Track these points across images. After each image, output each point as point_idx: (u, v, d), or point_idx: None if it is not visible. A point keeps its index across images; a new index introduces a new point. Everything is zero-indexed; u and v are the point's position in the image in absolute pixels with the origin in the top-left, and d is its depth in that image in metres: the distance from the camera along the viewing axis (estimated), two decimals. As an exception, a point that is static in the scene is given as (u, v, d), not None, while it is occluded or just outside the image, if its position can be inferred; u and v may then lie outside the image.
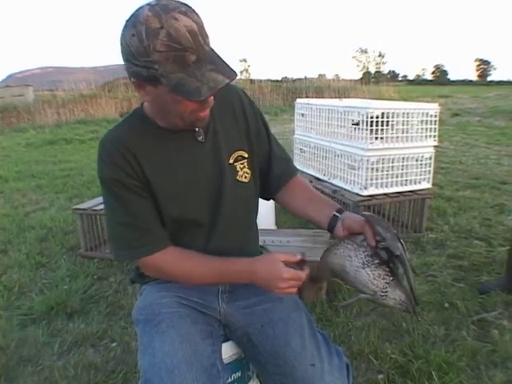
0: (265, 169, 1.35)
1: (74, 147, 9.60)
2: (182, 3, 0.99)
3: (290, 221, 3.76)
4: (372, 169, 3.44)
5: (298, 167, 4.42)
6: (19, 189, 5.76)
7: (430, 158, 3.69)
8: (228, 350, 1.26)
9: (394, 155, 3.52)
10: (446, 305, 2.53)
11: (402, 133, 3.55)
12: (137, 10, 0.98)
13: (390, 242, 1.09)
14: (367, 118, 3.35)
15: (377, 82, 33.26)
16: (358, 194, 3.50)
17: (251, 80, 22.39)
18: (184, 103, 1.03)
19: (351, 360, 2.00)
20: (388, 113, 3.43)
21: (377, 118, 3.36)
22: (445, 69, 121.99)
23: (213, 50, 1.02)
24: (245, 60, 74.93)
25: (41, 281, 3.04)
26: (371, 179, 3.45)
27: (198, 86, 0.97)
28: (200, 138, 1.20)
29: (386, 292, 1.12)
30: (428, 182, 3.74)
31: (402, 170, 3.59)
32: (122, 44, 0.99)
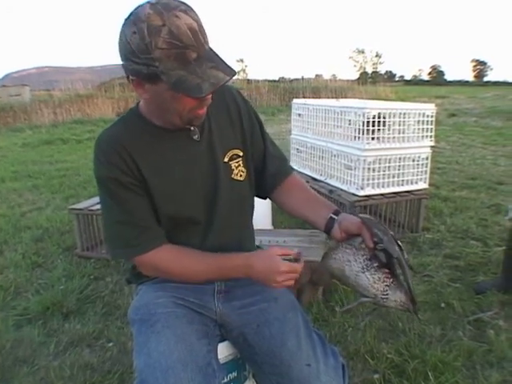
0: (260, 168, 1.36)
1: (71, 147, 9.59)
2: (182, 2, 1.00)
3: (287, 221, 3.76)
4: (368, 169, 3.44)
5: (295, 167, 4.42)
6: (15, 189, 5.75)
7: (427, 159, 3.70)
8: (224, 350, 1.26)
9: (390, 155, 3.52)
10: (443, 305, 2.54)
11: (399, 133, 3.56)
12: (137, 8, 0.99)
13: (387, 244, 1.09)
14: (364, 118, 3.35)
15: (374, 82, 33.28)
16: (354, 194, 3.50)
17: (248, 80, 22.39)
18: (183, 101, 1.04)
19: (347, 360, 2.00)
20: (385, 113, 3.44)
21: (373, 118, 3.37)
22: (441, 69, 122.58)
23: (211, 49, 1.03)
24: (242, 60, 74.95)
25: (37, 281, 3.03)
26: (368, 179, 3.45)
27: (198, 83, 0.98)
28: (195, 137, 1.21)
29: (387, 295, 1.12)
30: (424, 182, 3.74)
31: (399, 170, 3.60)
32: (121, 42, 1.00)
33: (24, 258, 3.40)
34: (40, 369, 2.11)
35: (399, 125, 3.55)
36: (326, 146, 3.93)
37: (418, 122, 3.63)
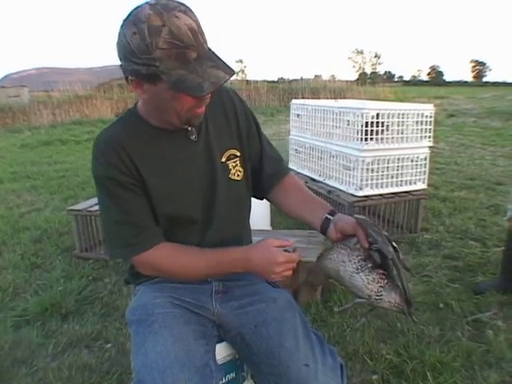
0: (256, 168, 1.36)
1: (70, 148, 9.58)
2: (180, 3, 1.01)
3: (285, 222, 3.76)
4: (367, 169, 3.44)
5: (294, 168, 4.43)
6: (14, 190, 5.74)
7: (425, 159, 3.70)
8: (222, 351, 1.26)
9: (389, 156, 3.52)
10: (441, 305, 2.54)
11: (398, 133, 3.56)
12: (136, 9, 1.00)
13: (381, 245, 1.09)
14: (362, 118, 3.36)
15: (373, 82, 33.36)
16: (353, 195, 3.50)
17: (247, 81, 22.39)
18: (182, 100, 1.05)
19: (346, 360, 2.00)
20: (383, 113, 3.43)
21: (372, 118, 3.37)
22: (440, 70, 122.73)
23: (210, 49, 1.04)
24: (241, 61, 74.99)
25: (35, 282, 3.02)
26: (366, 180, 3.46)
27: (199, 82, 0.99)
28: (193, 137, 1.22)
29: (381, 295, 1.12)
30: (423, 182, 3.75)
31: (398, 170, 3.60)
32: (120, 42, 1.01)
33: (23, 259, 3.40)
34: (38, 370, 2.11)
35: (398, 125, 3.55)
36: (324, 147, 3.93)
37: (417, 122, 3.63)
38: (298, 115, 4.46)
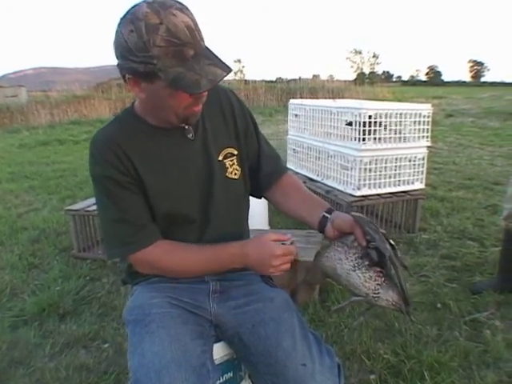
0: (254, 167, 1.36)
1: (68, 148, 9.58)
2: (177, 1, 1.02)
3: (284, 221, 3.76)
4: (365, 169, 3.45)
5: (292, 168, 4.43)
6: (12, 190, 5.74)
7: (423, 159, 3.70)
8: (219, 351, 1.25)
9: (387, 156, 3.52)
10: (439, 305, 2.54)
11: (395, 133, 3.56)
12: (133, 7, 1.01)
13: (379, 243, 1.09)
14: (360, 118, 3.36)
15: (371, 82, 33.38)
16: (351, 195, 3.50)
17: (245, 81, 22.41)
18: (180, 98, 1.06)
19: (343, 360, 2.00)
20: (381, 113, 3.44)
21: (370, 118, 3.37)
22: (439, 70, 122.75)
23: (207, 47, 1.05)
24: (239, 60, 74.82)
25: (33, 282, 3.02)
26: (364, 180, 3.46)
27: (197, 79, 1.00)
28: (190, 136, 1.22)
29: (378, 294, 1.12)
30: (421, 182, 3.75)
31: (395, 170, 3.60)
32: (117, 40, 1.01)
33: (20, 259, 3.39)
34: (36, 370, 2.11)
35: (396, 125, 3.55)
36: (322, 147, 3.93)
37: (415, 122, 3.63)
38: (296, 115, 4.46)
